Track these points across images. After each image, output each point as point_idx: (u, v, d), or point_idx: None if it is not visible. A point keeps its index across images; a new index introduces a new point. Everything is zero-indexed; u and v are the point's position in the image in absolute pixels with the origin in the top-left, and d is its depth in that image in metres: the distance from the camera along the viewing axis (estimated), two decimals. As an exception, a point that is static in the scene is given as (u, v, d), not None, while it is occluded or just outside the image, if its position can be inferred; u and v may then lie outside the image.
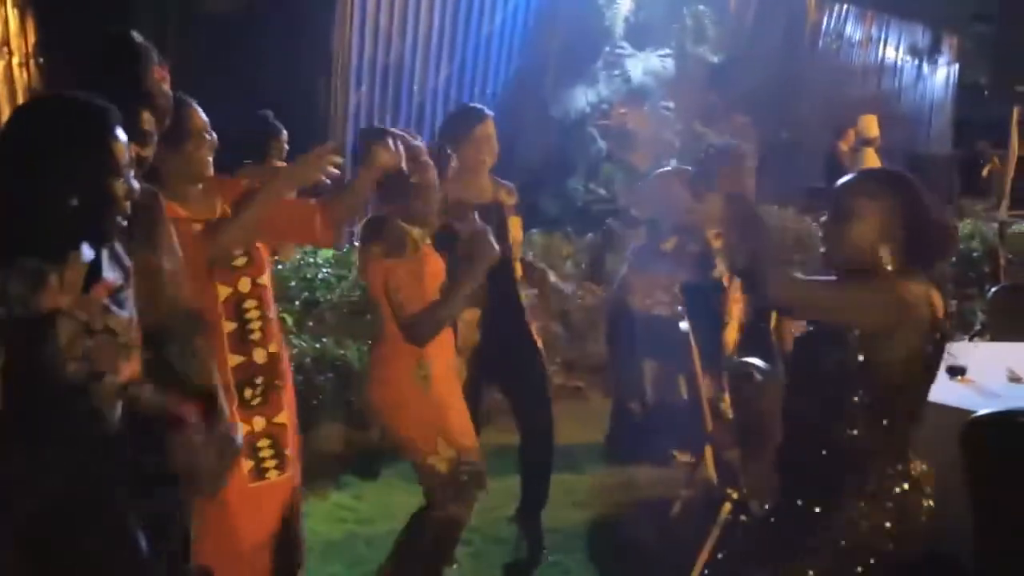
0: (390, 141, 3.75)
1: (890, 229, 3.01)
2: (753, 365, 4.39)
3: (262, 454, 3.75)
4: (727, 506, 4.50)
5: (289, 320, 6.50)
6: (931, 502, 3.11)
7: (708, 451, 4.79)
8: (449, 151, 4.64)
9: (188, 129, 3.70)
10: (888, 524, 3.03)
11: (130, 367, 2.50)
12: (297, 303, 6.71)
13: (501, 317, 4.87)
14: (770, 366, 4.16)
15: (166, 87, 3.24)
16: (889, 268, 3.00)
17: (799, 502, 3.12)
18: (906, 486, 3.06)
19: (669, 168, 6.55)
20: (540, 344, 5.19)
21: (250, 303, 3.77)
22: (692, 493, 5.34)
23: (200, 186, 3.79)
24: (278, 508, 3.85)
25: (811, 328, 3.28)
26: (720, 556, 3.58)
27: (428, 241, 4.26)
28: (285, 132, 5.38)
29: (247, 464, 3.69)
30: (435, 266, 4.23)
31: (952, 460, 3.79)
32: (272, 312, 3.88)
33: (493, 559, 5.05)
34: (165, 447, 2.61)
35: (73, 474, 2.35)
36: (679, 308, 5.44)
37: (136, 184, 2.45)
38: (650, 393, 6.77)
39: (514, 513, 5.25)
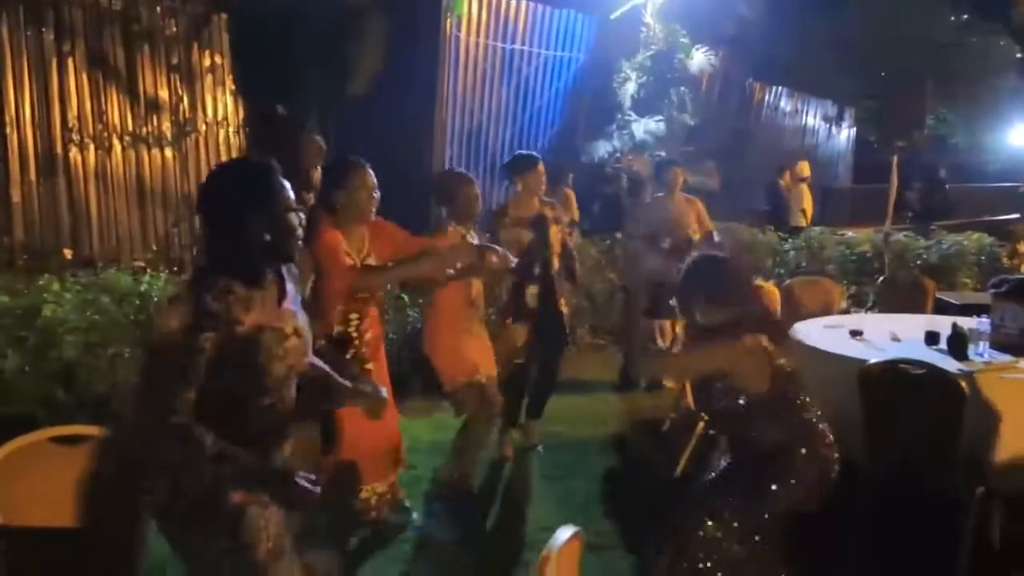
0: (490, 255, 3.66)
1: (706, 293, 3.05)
2: None
3: None
4: (700, 425, 4.47)
5: (407, 298, 6.55)
6: (836, 453, 3.00)
7: (687, 386, 4.76)
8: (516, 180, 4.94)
9: (363, 183, 3.65)
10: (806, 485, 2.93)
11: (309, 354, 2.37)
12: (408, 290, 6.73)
13: (544, 292, 4.99)
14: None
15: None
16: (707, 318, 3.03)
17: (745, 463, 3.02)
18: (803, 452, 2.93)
19: (659, 195, 6.60)
20: (565, 310, 5.19)
21: (354, 315, 3.71)
22: (678, 415, 5.30)
23: (363, 226, 3.72)
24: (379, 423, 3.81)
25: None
26: (699, 477, 3.29)
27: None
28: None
29: None
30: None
31: (853, 393, 3.78)
32: (368, 322, 3.79)
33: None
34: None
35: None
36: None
37: (303, 216, 2.27)
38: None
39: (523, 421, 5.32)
